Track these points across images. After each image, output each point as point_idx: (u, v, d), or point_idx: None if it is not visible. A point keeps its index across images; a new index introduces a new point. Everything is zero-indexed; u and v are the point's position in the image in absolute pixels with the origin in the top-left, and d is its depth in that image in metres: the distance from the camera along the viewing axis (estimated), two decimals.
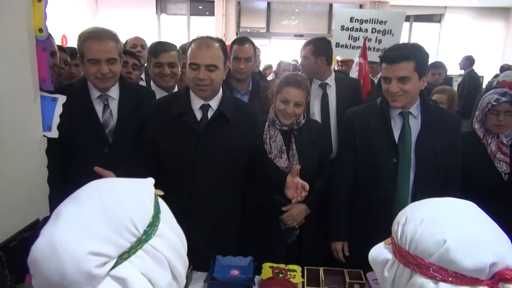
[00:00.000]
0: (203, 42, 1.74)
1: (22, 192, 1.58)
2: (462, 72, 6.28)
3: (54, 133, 1.73)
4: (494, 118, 2.12)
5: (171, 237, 0.72)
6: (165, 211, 0.75)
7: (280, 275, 1.63)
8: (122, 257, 0.65)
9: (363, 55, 3.59)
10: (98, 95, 1.90)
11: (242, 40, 2.62)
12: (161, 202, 0.76)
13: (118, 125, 1.90)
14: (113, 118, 1.91)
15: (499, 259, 0.65)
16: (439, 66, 4.62)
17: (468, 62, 6.17)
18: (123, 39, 4.28)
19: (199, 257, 1.73)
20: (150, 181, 0.77)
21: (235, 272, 1.65)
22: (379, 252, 0.79)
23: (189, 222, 1.68)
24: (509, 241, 0.70)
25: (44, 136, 1.73)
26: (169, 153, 1.80)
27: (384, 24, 3.76)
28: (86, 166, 1.85)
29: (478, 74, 6.17)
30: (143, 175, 1.81)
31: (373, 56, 3.62)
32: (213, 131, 1.79)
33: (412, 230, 0.72)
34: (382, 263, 0.77)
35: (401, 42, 2.01)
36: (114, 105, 1.92)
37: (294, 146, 2.04)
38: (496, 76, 6.86)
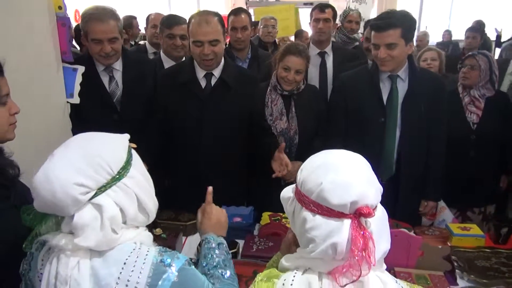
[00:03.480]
0: (202, 19, 1.85)
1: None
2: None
3: (76, 99, 1.95)
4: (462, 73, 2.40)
5: (140, 179, 0.96)
6: (137, 159, 0.99)
7: (276, 221, 1.85)
8: (101, 189, 0.88)
9: None
10: (103, 68, 2.05)
11: (237, 11, 2.80)
12: (134, 153, 0.99)
13: (124, 94, 2.07)
14: (119, 87, 2.08)
15: (359, 198, 0.81)
16: (474, 29, 4.46)
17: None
18: (133, 13, 4.27)
19: None
20: (126, 136, 0.99)
21: (238, 219, 1.87)
22: (286, 191, 0.97)
23: (199, 180, 1.87)
24: (378, 187, 0.87)
25: (67, 102, 1.95)
26: (178, 118, 1.99)
27: None
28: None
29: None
30: (154, 140, 2.01)
31: None
32: (216, 97, 1.95)
33: (303, 174, 0.90)
34: (286, 200, 0.95)
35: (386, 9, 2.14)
36: (118, 76, 2.08)
37: (293, 109, 2.21)
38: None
